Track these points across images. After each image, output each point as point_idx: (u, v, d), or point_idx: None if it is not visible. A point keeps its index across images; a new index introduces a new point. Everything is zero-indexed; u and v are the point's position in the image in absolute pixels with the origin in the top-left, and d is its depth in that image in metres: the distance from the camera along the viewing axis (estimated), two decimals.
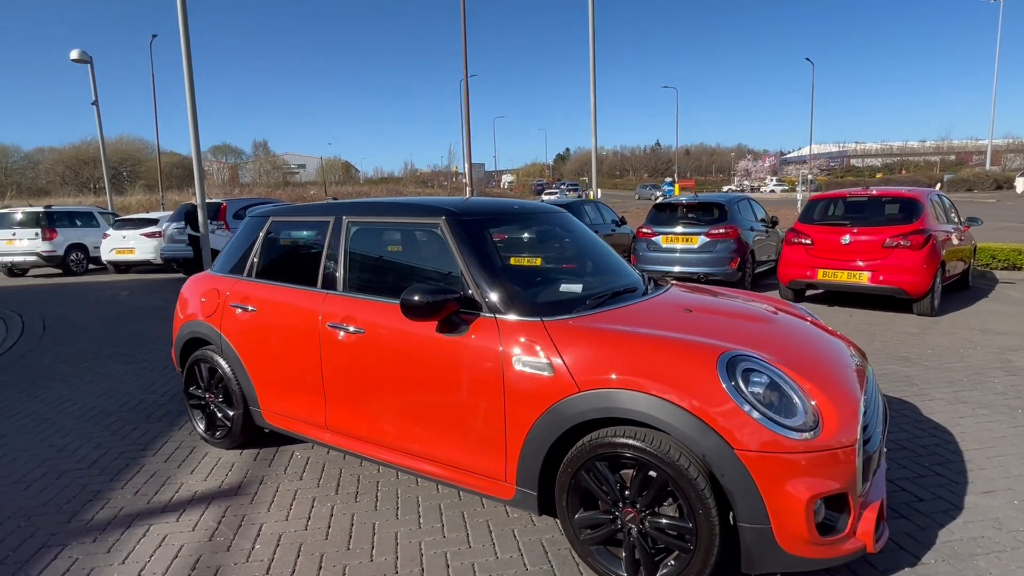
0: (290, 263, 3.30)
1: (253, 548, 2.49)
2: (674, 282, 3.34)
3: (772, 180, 59.43)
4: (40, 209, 13.18)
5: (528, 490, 2.33)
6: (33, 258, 12.82)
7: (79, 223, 13.82)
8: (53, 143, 54.94)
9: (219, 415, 3.46)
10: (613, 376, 2.11)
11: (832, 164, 73.51)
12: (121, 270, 13.42)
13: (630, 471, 2.09)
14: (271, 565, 2.37)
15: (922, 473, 3.00)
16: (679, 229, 8.55)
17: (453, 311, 2.46)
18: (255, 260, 3.40)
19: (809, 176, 39.27)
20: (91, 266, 13.78)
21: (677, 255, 8.52)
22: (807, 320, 2.85)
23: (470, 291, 2.52)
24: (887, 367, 4.77)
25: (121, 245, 12.69)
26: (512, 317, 2.40)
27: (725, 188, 61.82)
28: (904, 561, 2.30)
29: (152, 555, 2.45)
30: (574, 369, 2.19)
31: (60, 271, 13.37)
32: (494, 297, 2.46)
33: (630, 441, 2.04)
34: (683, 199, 9.21)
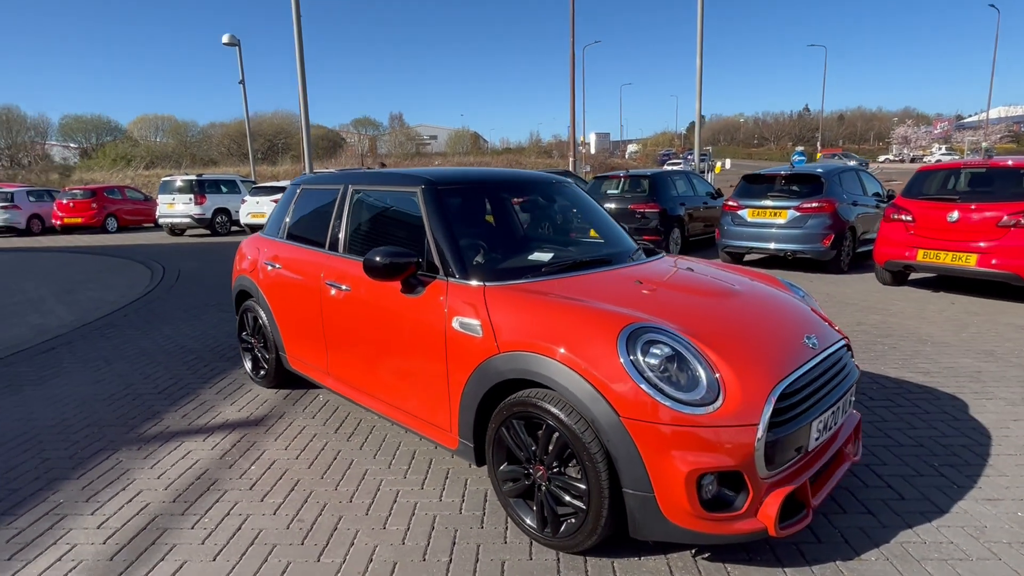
0: (309, 227, 3.68)
1: (248, 469, 2.93)
2: (667, 255, 3.28)
3: (940, 148, 52.06)
4: (193, 177, 15.20)
5: (467, 442, 2.51)
6: (187, 220, 14.89)
7: (224, 190, 15.75)
8: (224, 118, 61.79)
9: (261, 358, 3.99)
10: (528, 340, 2.21)
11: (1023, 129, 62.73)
12: (255, 231, 15.16)
13: (541, 431, 2.19)
14: (256, 483, 2.78)
15: (923, 472, 2.75)
16: (767, 202, 8.00)
17: (411, 273, 2.66)
18: (286, 223, 3.83)
19: (984, 143, 33.94)
20: (233, 228, 15.70)
21: (763, 230, 7.99)
22: (783, 298, 2.68)
23: (434, 256, 2.70)
24: (961, 360, 4.27)
25: (255, 210, 14.28)
26: (461, 281, 2.55)
27: (881, 158, 55.27)
28: (838, 553, 2.19)
29: (173, 465, 2.98)
30: (498, 331, 2.31)
31: (208, 232, 15.39)
32: (449, 261, 2.63)
33: (539, 402, 2.14)
34: (781, 170, 8.57)
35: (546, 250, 2.99)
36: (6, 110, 47.65)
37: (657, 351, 2.02)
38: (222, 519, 2.50)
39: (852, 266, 8.04)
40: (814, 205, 7.60)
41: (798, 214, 7.69)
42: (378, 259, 2.59)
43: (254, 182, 17.70)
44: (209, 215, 14.99)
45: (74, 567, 2.21)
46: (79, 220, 16.58)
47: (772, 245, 7.89)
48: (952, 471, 2.76)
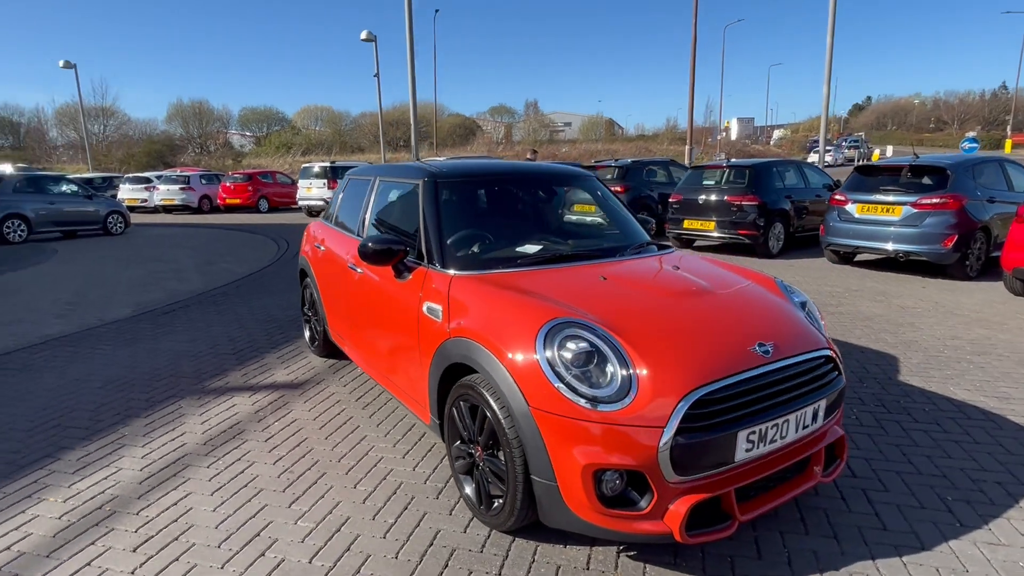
0: (347, 214, 4.04)
1: (271, 424, 3.36)
2: (677, 251, 3.20)
3: None
4: (327, 164, 16.74)
5: (436, 418, 2.70)
6: (321, 203, 16.45)
7: None
8: (374, 108, 66.56)
9: (314, 330, 4.47)
10: (471, 328, 2.34)
11: None
12: None
13: (478, 414, 2.32)
14: (271, 437, 3.20)
15: (927, 505, 2.48)
16: (880, 197, 7.19)
17: (400, 259, 2.89)
18: (336, 209, 4.23)
19: None
20: None
21: (873, 228, 7.21)
22: (755, 303, 2.52)
23: (421, 244, 2.90)
24: None
25: None
26: (438, 269, 2.73)
27: None
28: (771, 572, 2.09)
29: (217, 415, 3.49)
30: (451, 317, 2.47)
31: None
32: (432, 250, 2.82)
33: (476, 387, 2.27)
34: (902, 160, 7.65)
35: (537, 243, 3.06)
36: (198, 104, 55.25)
37: (573, 345, 2.06)
38: (232, 463, 2.92)
39: (983, 272, 7.01)
40: (935, 201, 6.72)
41: (915, 211, 6.84)
42: (369, 245, 2.84)
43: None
44: None
45: (111, 486, 2.73)
46: (238, 201, 18.98)
47: (883, 244, 7.11)
48: (964, 508, 2.46)
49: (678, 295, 2.47)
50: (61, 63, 24.43)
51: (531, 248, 2.99)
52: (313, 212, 17.39)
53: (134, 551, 2.27)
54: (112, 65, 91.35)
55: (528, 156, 12.07)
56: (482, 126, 71.88)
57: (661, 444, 1.90)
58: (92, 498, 2.63)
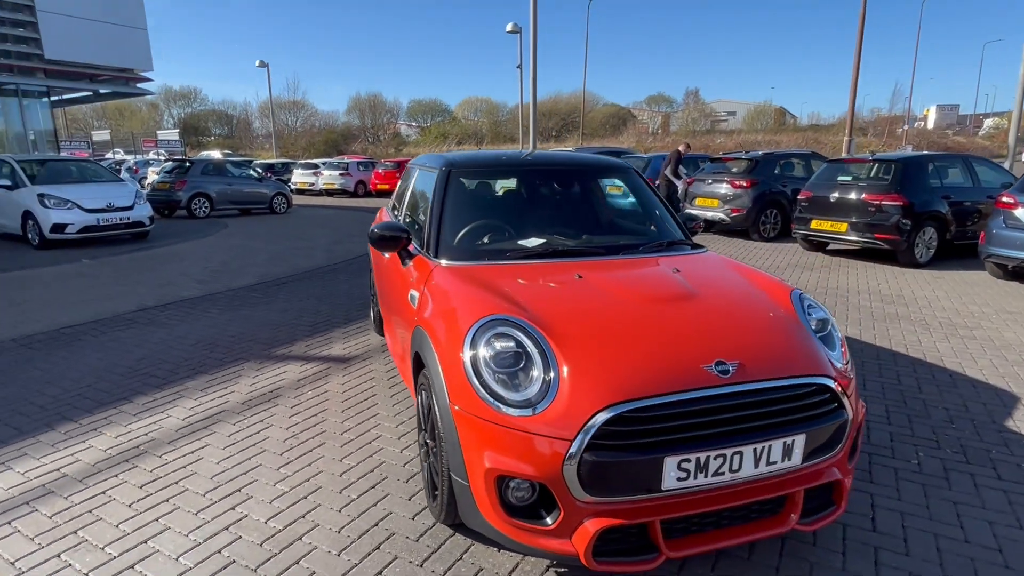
0: (398, 200, 4.19)
1: (304, 392, 3.64)
2: (707, 251, 2.91)
3: None
4: None
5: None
6: None
7: None
8: (529, 99, 67.84)
9: (375, 309, 4.74)
10: (427, 319, 2.34)
11: None
12: None
13: None
14: (298, 404, 3.47)
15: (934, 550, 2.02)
16: None
17: (402, 247, 2.96)
18: (394, 195, 4.42)
19: None
20: None
21: None
22: (737, 315, 2.20)
23: (425, 233, 2.95)
24: None
25: None
26: (430, 257, 2.76)
27: None
28: None
29: (267, 379, 3.86)
30: (421, 306, 2.49)
31: None
32: (431, 238, 2.85)
33: (426, 377, 2.27)
34: None
35: (543, 236, 2.95)
36: (373, 97, 60.47)
37: (499, 344, 1.97)
38: (252, 424, 3.22)
39: None
40: None
41: None
42: (375, 231, 2.95)
43: None
44: None
45: (154, 430, 3.16)
46: (387, 186, 20.53)
47: None
48: (962, 549, 1.96)
49: (650, 301, 2.24)
50: (256, 63, 28.24)
51: (533, 241, 2.90)
52: None
53: (140, 488, 2.61)
54: (305, 64, 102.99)
55: (680, 148, 11.55)
56: (637, 116, 70.02)
57: (567, 458, 1.75)
58: (135, 438, 3.07)
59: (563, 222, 3.19)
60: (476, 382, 1.93)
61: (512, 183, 3.40)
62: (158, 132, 40.99)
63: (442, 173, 3.11)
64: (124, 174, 21.52)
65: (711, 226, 10.88)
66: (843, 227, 7.77)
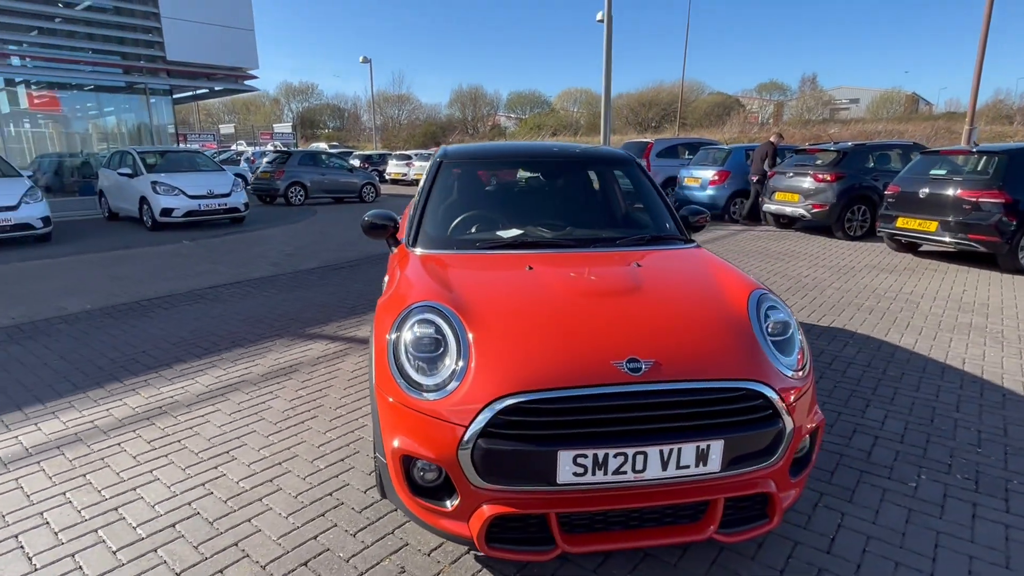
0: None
1: (318, 370, 3.90)
2: (692, 247, 2.81)
3: None
4: None
5: None
6: None
7: None
8: (628, 89, 66.42)
9: None
10: (379, 302, 2.45)
11: None
12: None
13: None
14: (309, 379, 3.72)
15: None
16: None
17: (390, 234, 3.08)
18: None
19: None
20: None
21: None
22: (670, 311, 2.10)
23: (413, 220, 3.06)
24: None
25: None
26: (409, 244, 2.88)
27: None
28: None
29: (293, 355, 4.17)
30: (384, 293, 2.60)
31: None
32: (413, 226, 2.96)
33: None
34: None
35: (524, 227, 2.95)
36: (474, 90, 61.79)
37: (420, 330, 2.04)
38: (261, 395, 3.51)
39: None
40: None
41: None
42: (365, 218, 3.10)
43: None
44: None
45: (179, 394, 3.53)
46: None
47: None
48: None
49: (588, 295, 2.21)
50: (360, 59, 29.80)
51: (511, 232, 2.92)
52: None
53: (149, 443, 2.95)
54: (411, 57, 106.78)
55: (771, 140, 10.97)
56: (745, 104, 66.38)
57: (461, 444, 1.80)
58: (162, 400, 3.44)
59: (551, 213, 3.17)
60: (393, 364, 2.01)
61: (506, 174, 3.42)
62: (274, 126, 44.44)
63: (434, 163, 3.21)
64: (243, 164, 23.58)
65: (792, 223, 10.21)
66: (932, 226, 7.02)
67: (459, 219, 3.03)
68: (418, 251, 2.77)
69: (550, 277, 2.35)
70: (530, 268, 2.45)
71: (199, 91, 16.13)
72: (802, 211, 9.30)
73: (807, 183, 9.30)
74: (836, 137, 35.26)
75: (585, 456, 1.78)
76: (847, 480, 2.58)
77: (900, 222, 7.42)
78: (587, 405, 1.80)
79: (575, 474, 1.79)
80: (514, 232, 2.91)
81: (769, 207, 10.01)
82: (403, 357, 2.01)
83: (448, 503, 1.89)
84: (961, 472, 2.64)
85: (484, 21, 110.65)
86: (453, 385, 1.89)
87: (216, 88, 15.63)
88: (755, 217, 10.85)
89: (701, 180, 11.42)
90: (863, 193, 8.96)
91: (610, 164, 3.43)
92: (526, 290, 2.27)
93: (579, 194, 3.35)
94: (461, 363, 1.92)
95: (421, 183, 3.80)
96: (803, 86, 74.96)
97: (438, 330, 2.03)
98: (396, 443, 1.93)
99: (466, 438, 1.79)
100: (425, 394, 1.91)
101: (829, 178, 8.98)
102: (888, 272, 6.76)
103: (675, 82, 62.85)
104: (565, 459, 1.77)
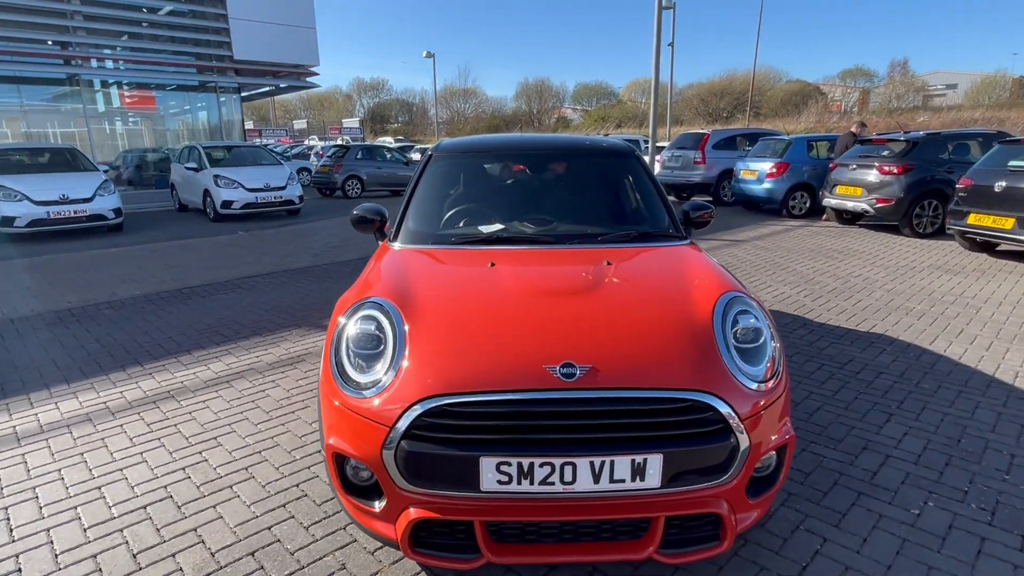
0: None
1: (321, 361, 3.96)
2: (675, 247, 2.64)
3: None
4: (601, 138, 17.11)
5: None
6: None
7: None
8: (700, 78, 64.22)
9: None
10: (340, 298, 2.44)
11: None
12: None
13: None
14: (312, 369, 3.80)
15: None
16: None
17: (377, 228, 3.08)
18: None
19: None
20: None
21: None
22: (651, 319, 1.97)
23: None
24: None
25: None
26: (391, 238, 2.86)
27: None
28: None
29: (299, 345, 4.27)
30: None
31: None
32: (396, 220, 2.94)
33: None
34: None
35: (505, 221, 2.87)
36: (540, 82, 61.56)
37: (362, 326, 2.01)
38: (263, 383, 3.60)
39: None
40: None
41: None
42: (354, 212, 3.11)
43: (646, 141, 18.52)
44: None
45: (189, 378, 3.68)
46: None
47: None
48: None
49: (541, 295, 2.11)
50: (424, 54, 30.24)
51: (492, 227, 2.84)
52: None
53: (148, 425, 3.09)
54: (477, 50, 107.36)
55: (853, 130, 10.37)
56: (827, 92, 62.68)
57: (386, 444, 1.75)
58: (172, 385, 3.60)
59: (539, 208, 3.06)
60: (333, 360, 1.99)
61: (497, 168, 3.32)
62: (343, 120, 45.95)
63: (424, 156, 3.17)
64: (312, 158, 24.54)
65: (856, 219, 9.53)
66: (1008, 223, 6.35)
67: (444, 213, 2.98)
68: (396, 246, 2.75)
69: (509, 275, 2.26)
70: (492, 265, 2.37)
71: (265, 88, 16.87)
72: (865, 206, 8.66)
73: (872, 176, 8.64)
74: (925, 126, 32.70)
75: (509, 464, 1.69)
76: (840, 502, 2.36)
77: (972, 218, 6.76)
78: (513, 410, 1.72)
79: (499, 482, 1.71)
80: (496, 227, 2.84)
81: (829, 201, 9.38)
82: (343, 353, 1.99)
83: (376, 504, 1.86)
84: (978, 501, 2.35)
85: (552, 12, 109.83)
86: (385, 383, 1.84)
87: (281, 85, 16.29)
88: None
89: (758, 173, 10.85)
90: (935, 187, 8.23)
91: (606, 157, 3.28)
92: (477, 289, 2.20)
93: (570, 188, 3.22)
94: (395, 362, 1.88)
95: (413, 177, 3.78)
96: (892, 71, 69.97)
97: (379, 327, 1.99)
98: (331, 440, 1.91)
99: (390, 439, 1.74)
100: (359, 391, 1.88)
101: (896, 170, 8.31)
102: (953, 273, 6.18)
103: (749, 70, 60.22)
104: (488, 466, 1.69)
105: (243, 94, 16.50)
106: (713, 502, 1.80)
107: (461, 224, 2.91)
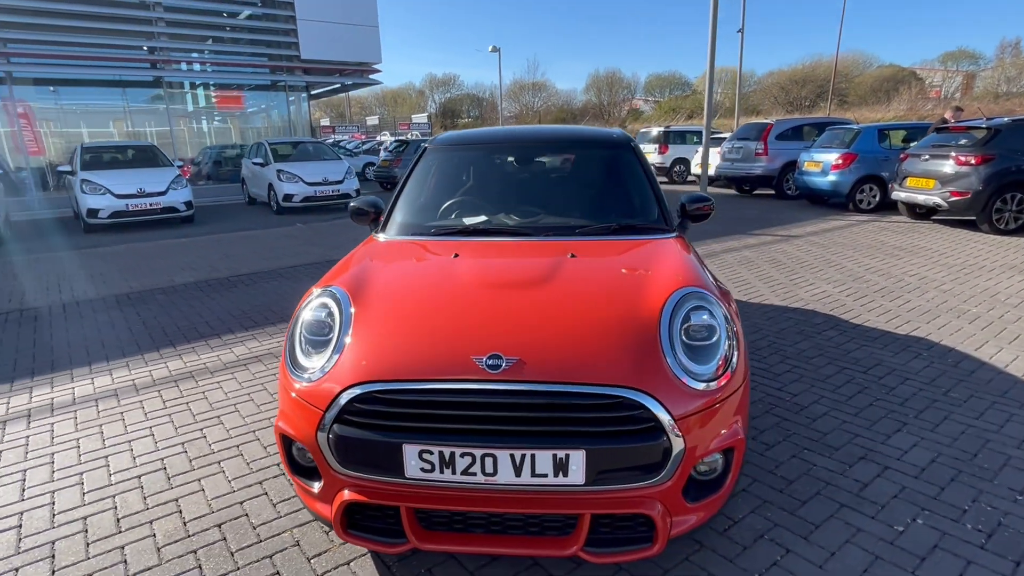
0: None
1: None
2: (667, 239, 2.56)
3: None
4: (661, 128, 16.65)
5: None
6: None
7: (694, 140, 16.62)
8: (781, 66, 61.10)
9: None
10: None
11: None
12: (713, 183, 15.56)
13: None
14: None
15: None
16: None
17: (372, 219, 3.15)
18: None
19: None
20: (689, 178, 16.57)
21: None
22: (592, 314, 1.92)
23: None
24: None
25: (700, 160, 14.73)
26: (379, 229, 2.93)
27: None
28: None
29: None
30: None
31: (666, 179, 16.76)
32: (386, 213, 3.01)
33: None
34: None
35: (489, 213, 2.86)
36: (610, 74, 60.60)
37: (314, 313, 2.08)
38: (259, 374, 3.77)
39: None
40: None
41: None
42: (352, 204, 3.19)
43: (718, 132, 17.85)
44: (668, 164, 16.28)
45: (212, 361, 3.91)
46: None
47: None
48: None
49: (489, 285, 2.11)
50: (489, 48, 30.43)
51: (474, 219, 2.85)
52: None
53: (164, 403, 3.32)
54: (546, 43, 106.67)
55: (947, 116, 9.69)
56: (924, 77, 58.05)
57: (319, 428, 1.81)
58: (195, 366, 3.85)
59: (525, 200, 3.03)
60: (287, 345, 2.07)
61: (489, 160, 3.31)
62: (412, 116, 47.05)
63: (419, 151, 3.21)
64: (382, 153, 25.35)
65: (929, 213, 8.81)
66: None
67: (430, 206, 3.01)
68: (381, 237, 2.82)
69: (465, 267, 2.27)
70: (456, 256, 2.38)
71: (332, 86, 17.54)
72: (937, 199, 7.98)
73: (947, 167, 7.96)
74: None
75: (431, 452, 1.71)
76: (817, 513, 2.22)
77: None
78: (436, 399, 1.73)
79: (423, 470, 1.73)
80: (479, 219, 2.85)
81: (899, 194, 8.72)
82: (296, 339, 2.06)
83: (316, 485, 1.92)
84: (975, 522, 2.15)
85: (623, 1, 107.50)
86: (326, 369, 1.90)
87: (346, 83, 16.89)
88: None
89: (823, 164, 10.24)
90: (1019, 178, 7.48)
91: (600, 148, 3.20)
92: (430, 280, 2.22)
93: (561, 180, 3.17)
94: (337, 348, 1.93)
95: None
96: (1001, 53, 63.92)
97: (329, 314, 2.06)
98: (280, 423, 1.99)
99: (323, 422, 1.80)
100: (304, 376, 1.94)
101: (974, 160, 7.61)
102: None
103: (842, 55, 56.73)
104: (411, 453, 1.72)
105: (313, 92, 17.24)
106: (644, 503, 1.74)
107: (447, 216, 2.94)
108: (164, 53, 13.85)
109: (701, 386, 1.79)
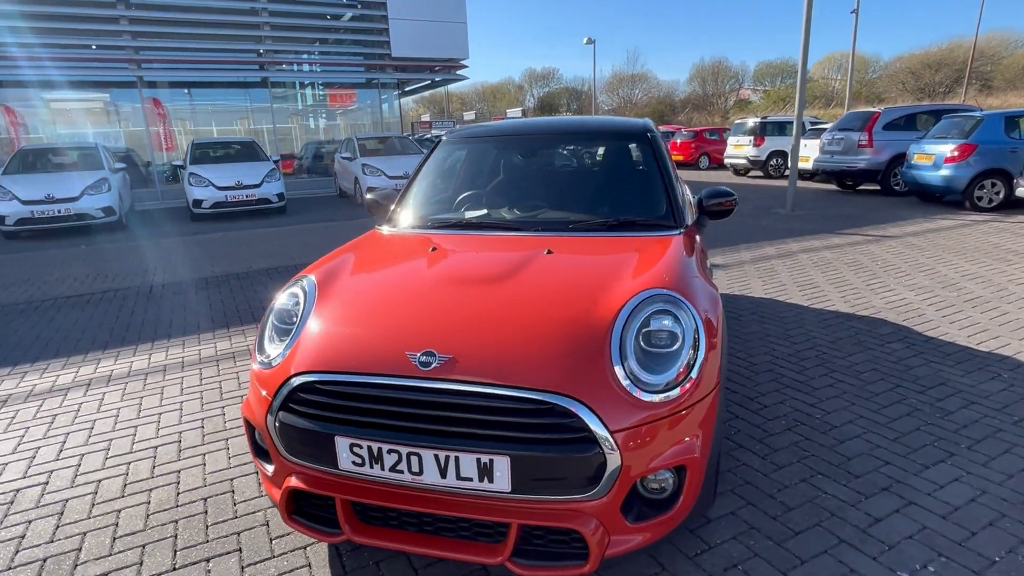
0: None
1: None
2: (668, 236, 2.40)
3: None
4: (757, 120, 15.64)
5: None
6: (743, 161, 15.65)
7: (787, 132, 15.48)
8: (911, 49, 55.41)
9: None
10: None
11: None
12: (810, 177, 14.45)
13: None
14: None
15: None
16: None
17: (384, 212, 3.19)
18: None
19: None
20: (786, 171, 15.45)
21: None
22: (538, 313, 1.82)
23: None
24: None
25: (804, 153, 13.68)
26: (380, 223, 2.97)
27: None
28: None
29: None
30: None
31: (761, 174, 15.74)
32: (395, 205, 3.04)
33: None
34: None
35: (490, 208, 2.81)
36: (716, 63, 57.88)
37: (285, 302, 2.14)
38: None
39: None
40: None
41: None
42: (367, 197, 3.26)
43: (818, 122, 16.45)
44: (763, 157, 15.30)
45: (207, 353, 4.15)
46: (681, 157, 19.85)
47: None
48: None
49: (452, 281, 2.07)
50: (584, 40, 29.96)
51: (475, 213, 2.81)
52: (739, 171, 16.74)
53: (201, 380, 3.57)
54: (648, 34, 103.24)
55: None
56: None
57: (268, 413, 1.86)
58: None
59: (530, 194, 2.94)
60: (259, 332, 2.14)
61: (504, 154, 3.23)
62: (507, 111, 47.46)
63: (434, 145, 3.21)
64: None
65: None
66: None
67: (436, 200, 3.01)
68: (385, 230, 2.85)
69: (433, 261, 2.24)
70: (433, 250, 2.35)
71: (422, 83, 18.07)
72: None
73: None
74: None
75: (360, 446, 1.71)
76: (807, 547, 1.98)
77: None
78: (367, 393, 1.72)
79: (354, 463, 1.73)
80: (479, 213, 2.80)
81: (1021, 191, 7.63)
82: (267, 326, 2.13)
83: (269, 468, 1.97)
84: (1003, 575, 1.82)
85: None
86: (284, 355, 1.95)
87: (436, 80, 17.34)
88: None
89: (935, 157, 9.16)
90: None
91: (615, 139, 3.03)
92: (396, 273, 2.22)
93: (568, 173, 3.06)
94: (294, 337, 1.97)
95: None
96: None
97: (296, 303, 2.10)
98: (243, 406, 2.07)
99: (271, 408, 1.85)
100: (264, 362, 2.00)
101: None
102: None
103: (981, 36, 50.68)
104: (343, 445, 1.72)
105: (406, 88, 17.86)
106: (577, 518, 1.63)
107: (450, 210, 2.93)
108: (270, 55, 14.90)
109: (653, 397, 1.66)
